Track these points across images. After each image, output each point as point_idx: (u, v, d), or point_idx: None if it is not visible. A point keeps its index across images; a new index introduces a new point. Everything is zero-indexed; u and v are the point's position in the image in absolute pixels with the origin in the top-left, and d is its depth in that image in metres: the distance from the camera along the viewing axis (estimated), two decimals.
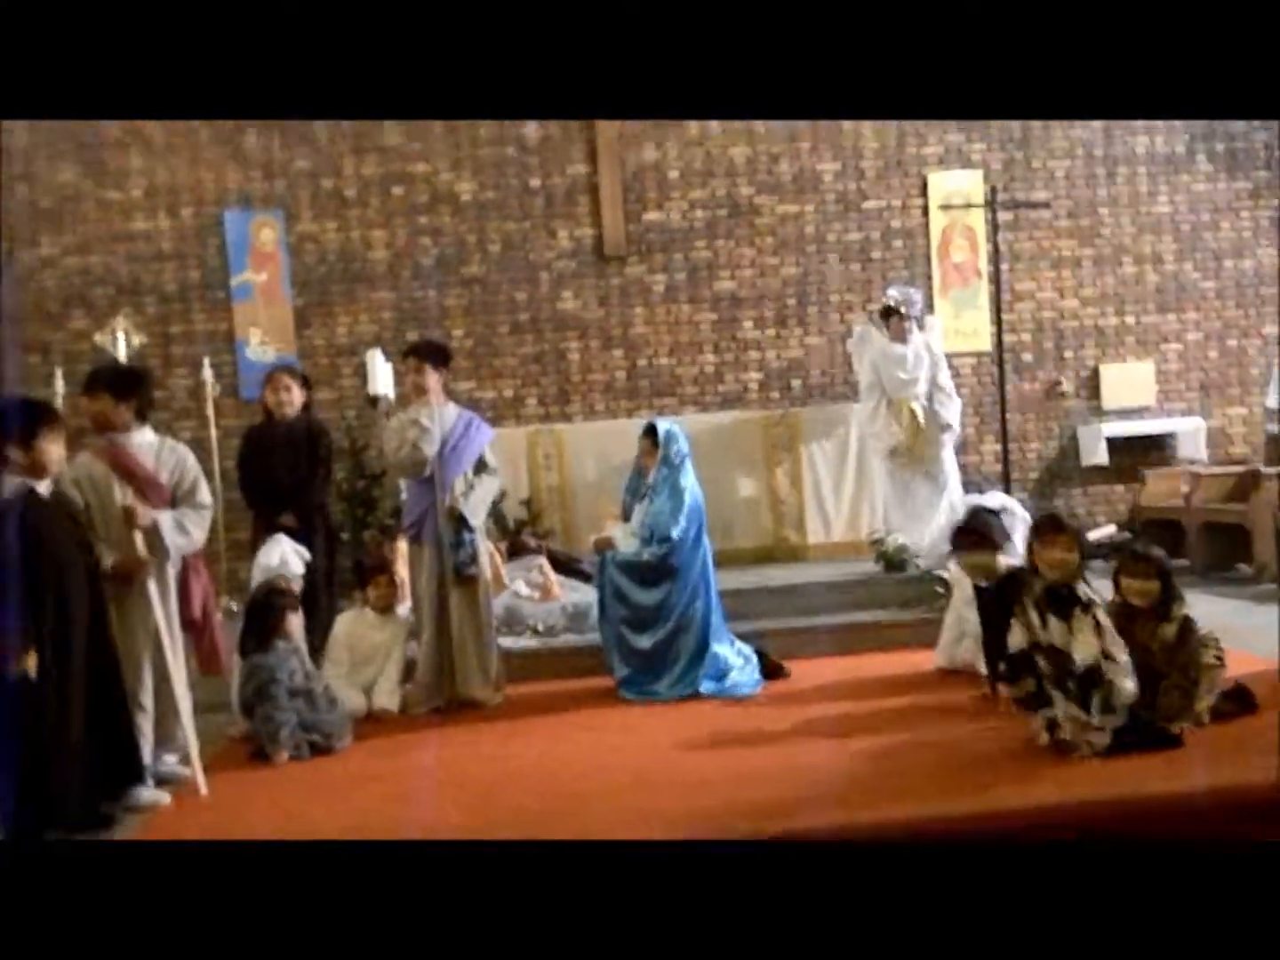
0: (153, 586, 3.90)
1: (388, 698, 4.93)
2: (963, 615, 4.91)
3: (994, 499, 5.11)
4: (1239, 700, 3.99)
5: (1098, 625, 3.56)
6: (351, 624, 5.05)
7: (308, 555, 5.01)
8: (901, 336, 6.32)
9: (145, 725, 3.94)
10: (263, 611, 4.50)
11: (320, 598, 5.18)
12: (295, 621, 4.55)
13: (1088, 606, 3.60)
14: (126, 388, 4.05)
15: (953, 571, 5.11)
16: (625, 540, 5.08)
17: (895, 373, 6.32)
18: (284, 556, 4.92)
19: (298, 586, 4.88)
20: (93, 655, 3.57)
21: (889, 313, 6.37)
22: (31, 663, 3.34)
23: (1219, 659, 3.90)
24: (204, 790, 3.90)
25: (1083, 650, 3.55)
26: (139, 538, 3.87)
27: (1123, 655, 3.57)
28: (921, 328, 6.39)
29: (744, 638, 5.17)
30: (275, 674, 4.30)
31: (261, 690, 4.30)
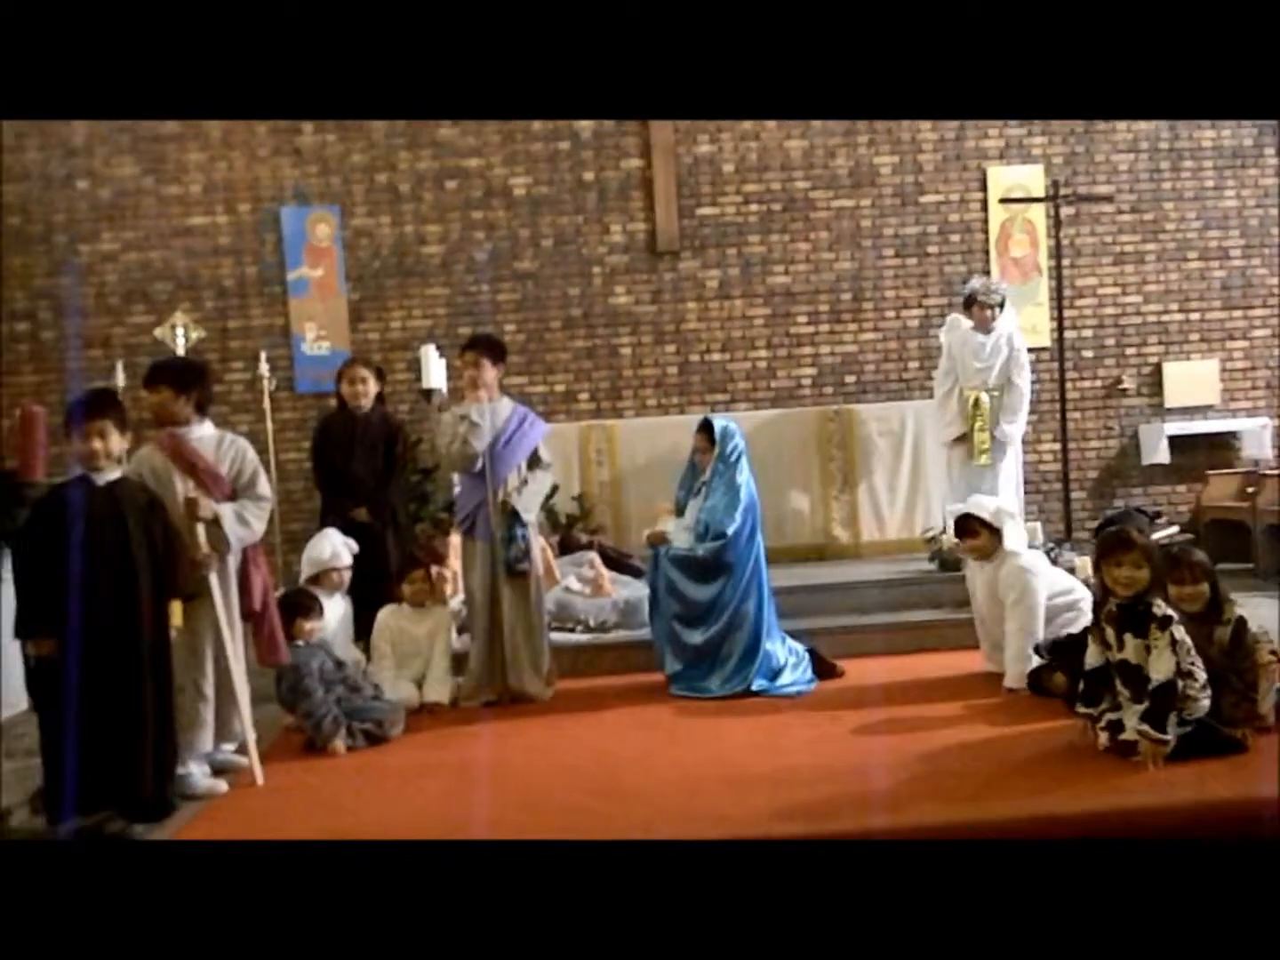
0: (214, 578, 3.94)
1: (438, 688, 4.95)
2: (986, 625, 4.86)
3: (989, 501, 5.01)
4: None
5: (1174, 642, 3.50)
6: (390, 619, 5.06)
7: (356, 547, 5.03)
8: (984, 325, 6.26)
9: (207, 714, 3.99)
10: (283, 612, 4.53)
11: (385, 592, 5.19)
12: (306, 625, 4.52)
13: (1165, 623, 3.53)
14: (187, 381, 4.09)
15: (968, 580, 5.03)
16: (678, 535, 5.06)
17: (971, 361, 6.28)
18: (334, 549, 4.95)
19: (347, 579, 4.92)
20: (150, 644, 3.61)
21: (970, 301, 6.32)
22: (45, 650, 3.42)
23: (1274, 654, 3.82)
24: (260, 780, 3.94)
25: (1160, 668, 3.50)
26: (201, 530, 3.91)
27: (1201, 672, 3.51)
28: (1001, 313, 6.28)
29: (796, 636, 5.13)
30: (302, 672, 4.34)
31: (295, 688, 4.35)
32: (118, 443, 3.69)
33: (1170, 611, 3.57)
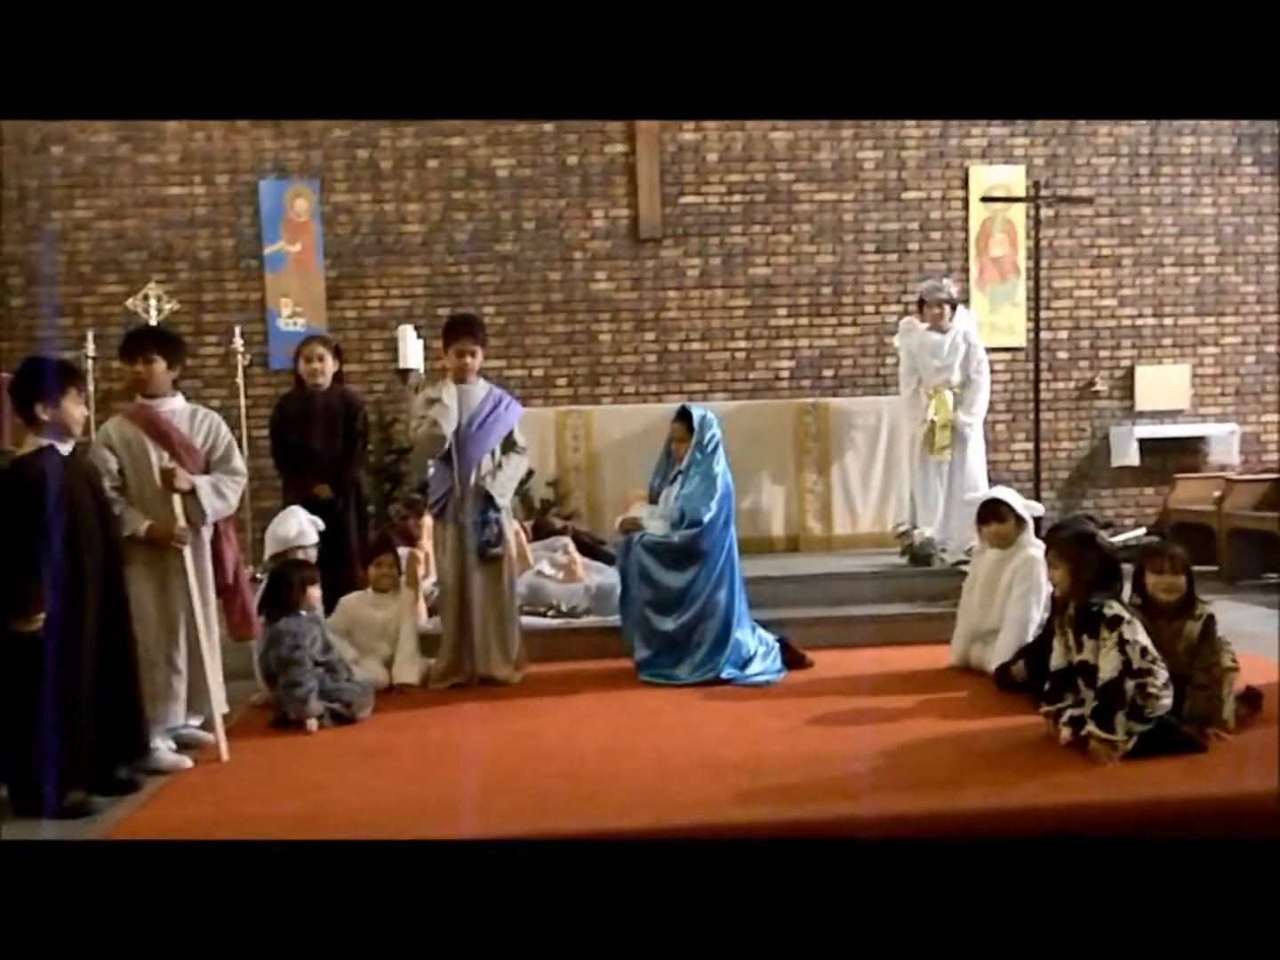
0: (188, 550, 3.92)
1: (408, 669, 4.93)
2: (973, 616, 4.91)
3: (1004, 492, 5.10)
4: (1249, 702, 3.99)
5: (1122, 641, 3.55)
6: (350, 604, 5.02)
7: (321, 525, 4.98)
8: (937, 324, 6.33)
9: (180, 687, 3.97)
10: (283, 582, 4.50)
11: (349, 570, 5.16)
12: (314, 594, 4.56)
13: (1113, 624, 3.59)
14: (175, 352, 4.08)
15: (970, 569, 5.10)
16: (652, 522, 5.06)
17: (930, 360, 6.35)
18: (300, 527, 4.90)
19: (313, 556, 4.88)
20: (105, 620, 3.56)
21: (920, 302, 6.47)
22: (36, 625, 3.34)
23: (1235, 662, 3.89)
24: (225, 756, 3.91)
25: (1106, 666, 3.56)
26: (177, 502, 3.87)
27: (1162, 670, 3.55)
28: (954, 312, 6.36)
29: (767, 626, 5.15)
30: (299, 640, 4.31)
31: (286, 657, 4.30)
32: (83, 412, 3.65)
33: (1121, 612, 3.62)
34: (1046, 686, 3.85)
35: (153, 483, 3.88)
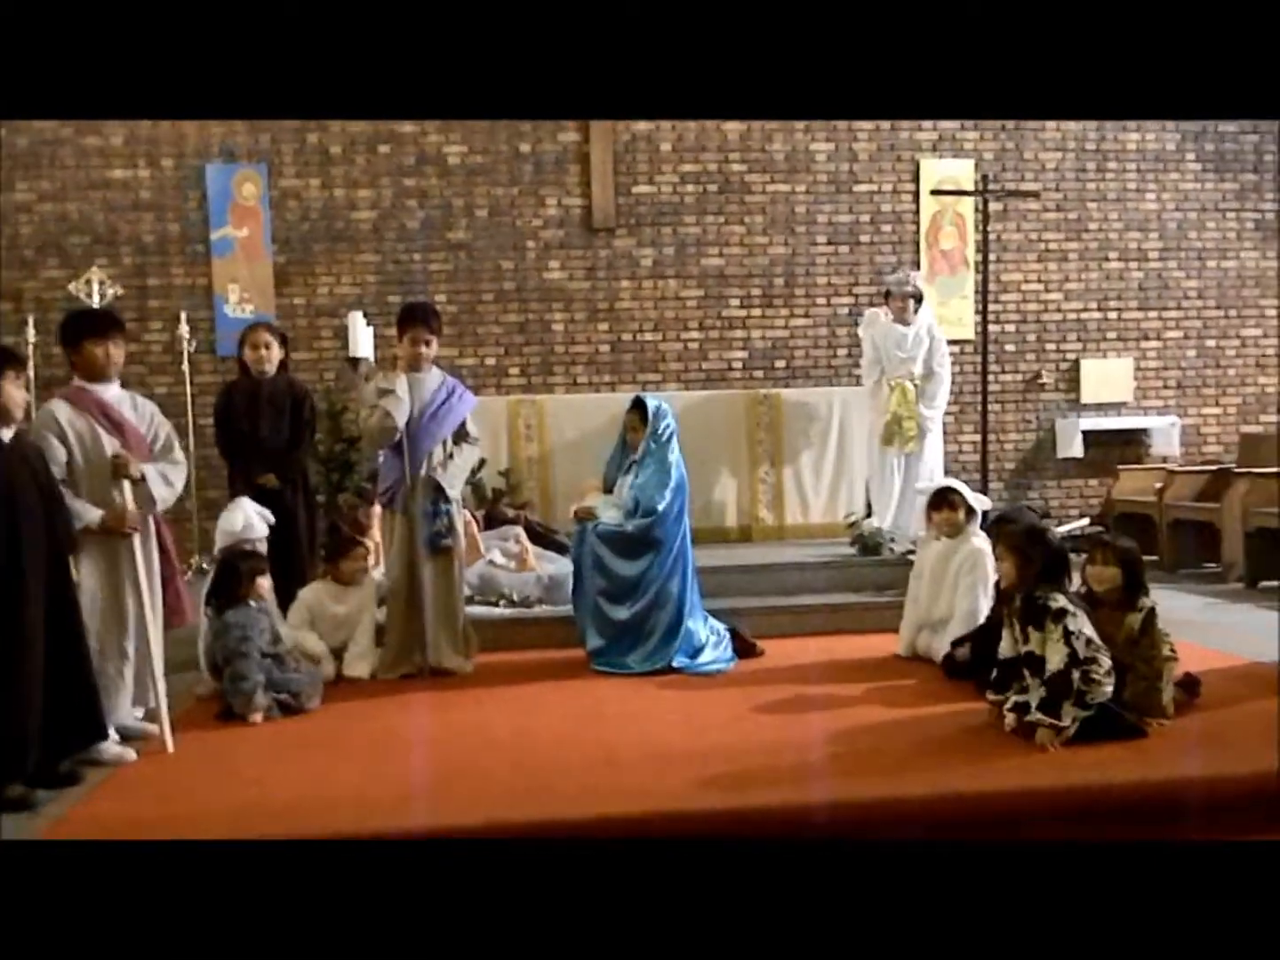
0: (136, 538, 3.86)
1: (358, 664, 4.90)
2: (921, 605, 4.97)
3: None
4: (1187, 689, 4.08)
5: (1067, 633, 3.62)
6: (311, 596, 4.97)
7: (271, 518, 4.92)
8: (902, 317, 6.41)
9: (128, 673, 3.93)
10: (232, 573, 4.45)
11: (299, 560, 5.11)
12: (264, 584, 4.51)
13: (1058, 616, 3.66)
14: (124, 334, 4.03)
15: (918, 559, 5.17)
16: (607, 511, 5.06)
17: (893, 351, 6.42)
18: (248, 519, 4.81)
19: (262, 549, 4.81)
20: (52, 608, 3.49)
21: (887, 294, 6.54)
22: None
23: (1173, 652, 3.98)
24: (171, 748, 3.86)
25: (1053, 657, 3.62)
26: (128, 489, 3.82)
27: (1105, 658, 3.63)
28: (918, 305, 6.45)
29: (718, 615, 5.18)
30: (247, 632, 4.25)
31: (233, 649, 4.25)
32: (24, 397, 3.58)
33: (1066, 605, 3.69)
34: (994, 675, 3.91)
35: (102, 471, 3.81)
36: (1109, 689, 3.62)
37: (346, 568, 4.98)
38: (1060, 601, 3.70)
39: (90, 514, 3.82)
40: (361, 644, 4.94)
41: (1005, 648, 3.90)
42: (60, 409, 3.90)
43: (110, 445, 3.87)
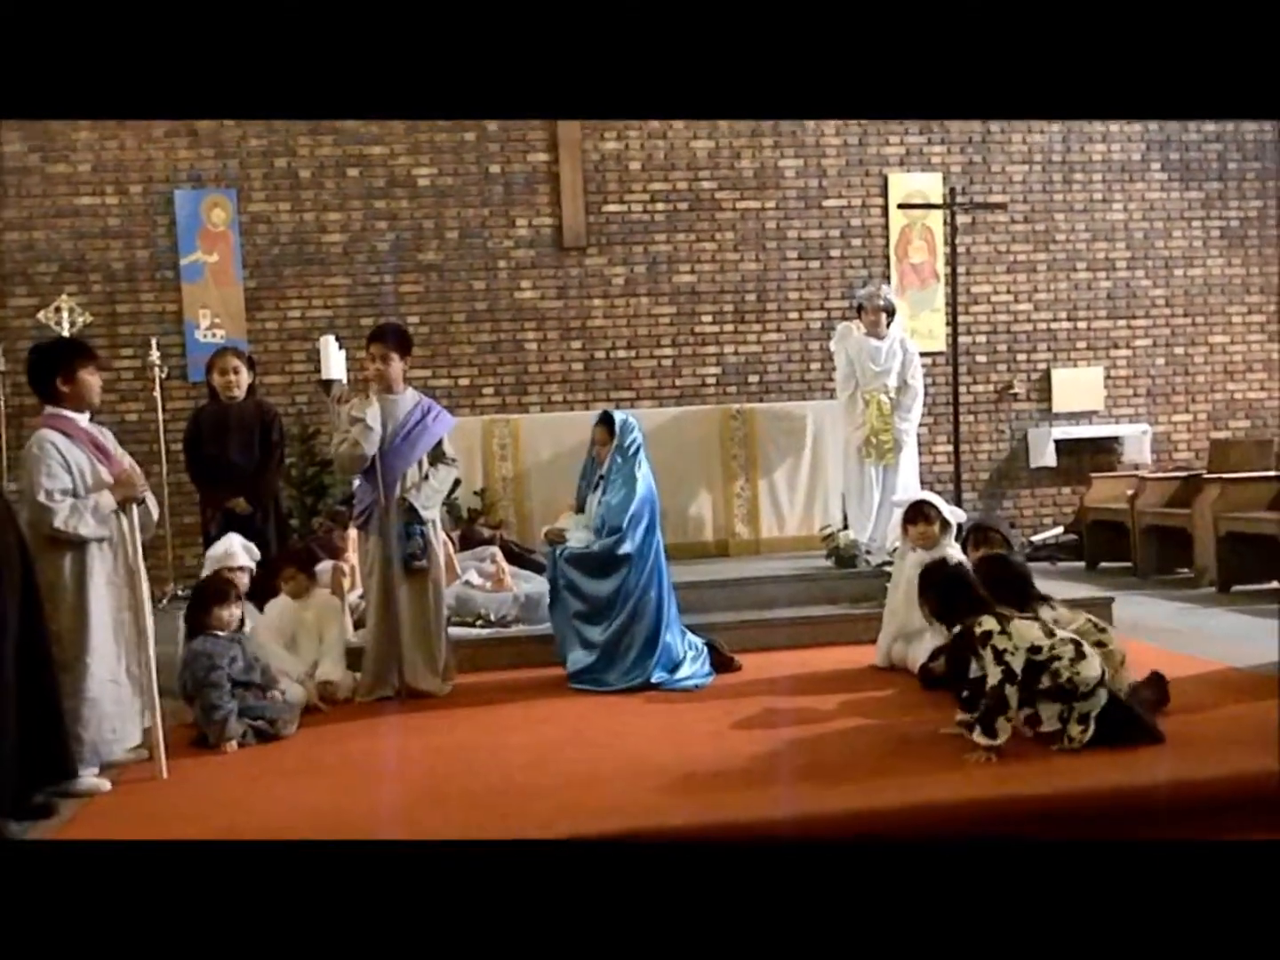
0: (140, 563, 3.87)
1: (333, 667, 4.86)
2: (898, 616, 4.99)
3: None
4: (1157, 692, 4.08)
5: (997, 653, 3.65)
6: (273, 610, 4.95)
7: (258, 554, 4.90)
8: (875, 331, 6.43)
9: (138, 703, 3.89)
10: (198, 601, 4.42)
11: (271, 583, 5.08)
12: (235, 613, 4.44)
13: (984, 640, 3.69)
14: None
15: (894, 571, 5.19)
16: (577, 532, 5.06)
17: (868, 365, 6.44)
18: (229, 548, 4.80)
19: (245, 580, 4.79)
20: (23, 638, 3.45)
21: (859, 308, 6.55)
22: None
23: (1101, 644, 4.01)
24: (164, 774, 3.84)
25: (991, 676, 3.66)
26: (135, 512, 3.85)
27: (1063, 647, 3.67)
28: (891, 318, 6.49)
29: (696, 630, 5.17)
30: (215, 661, 4.21)
31: (201, 679, 4.21)
32: None
33: (990, 626, 3.70)
34: (964, 694, 3.89)
35: (104, 494, 3.81)
36: (1091, 673, 3.63)
37: (288, 588, 4.93)
38: (985, 624, 3.72)
39: (106, 497, 3.79)
40: (333, 652, 4.90)
41: (974, 669, 3.86)
42: (56, 438, 3.82)
43: (103, 473, 3.85)
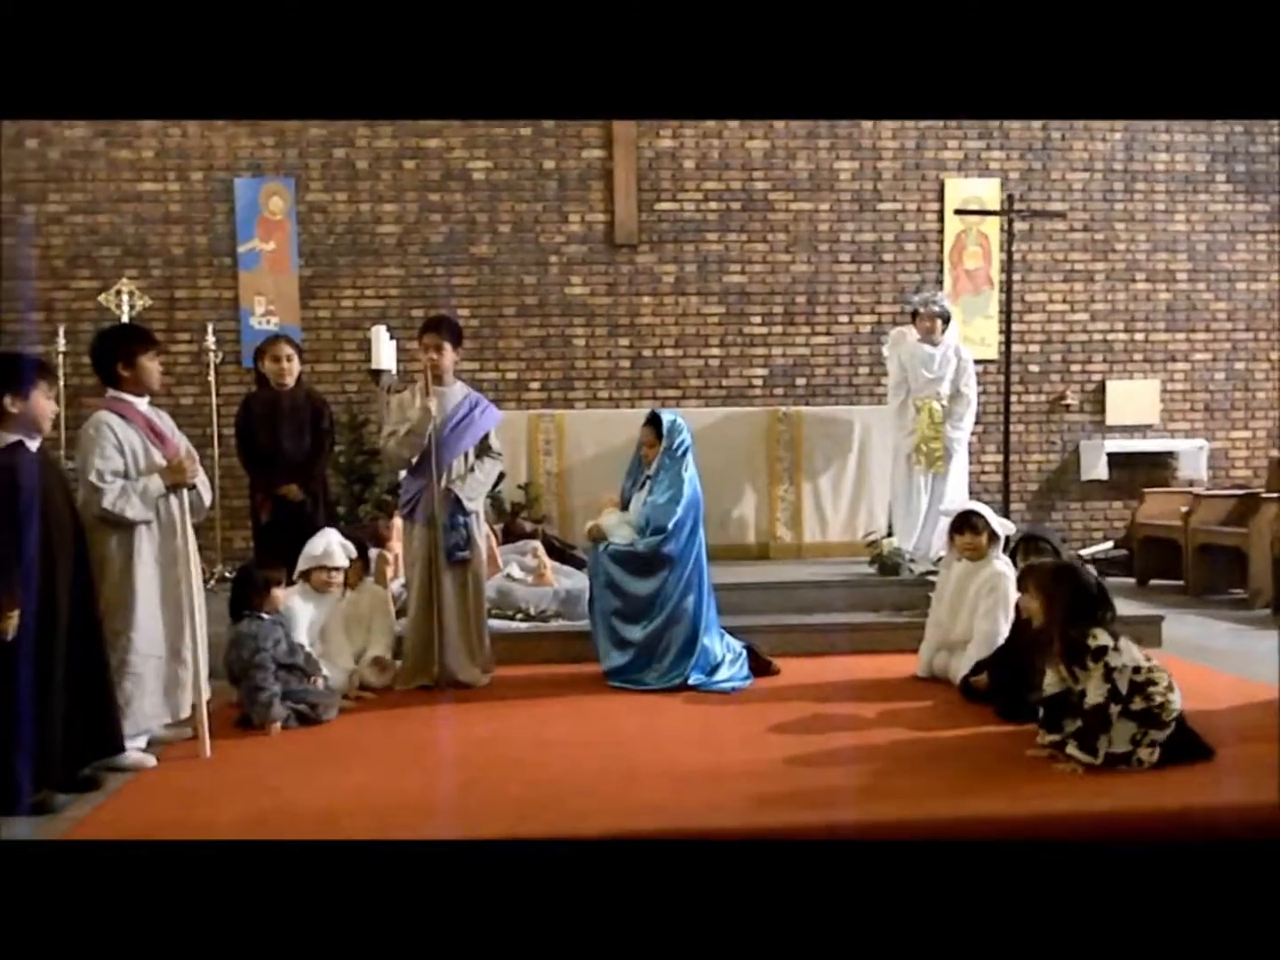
0: (192, 543, 3.95)
1: (383, 653, 4.92)
2: (942, 627, 4.94)
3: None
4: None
5: (1108, 670, 3.59)
6: (349, 600, 4.98)
7: (354, 552, 4.95)
8: (929, 337, 6.37)
9: (186, 678, 3.96)
10: (247, 583, 4.47)
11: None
12: (279, 596, 4.49)
13: (1099, 655, 3.62)
14: None
15: (939, 581, 5.13)
16: (619, 529, 5.05)
17: (921, 371, 6.38)
18: (329, 547, 4.83)
19: (337, 580, 4.85)
20: (76, 616, 3.52)
21: (914, 314, 6.48)
22: (12, 624, 3.28)
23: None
24: (208, 753, 3.91)
25: (1092, 693, 3.60)
26: (187, 495, 3.93)
27: (1159, 675, 3.61)
28: (946, 325, 6.41)
29: (735, 633, 5.15)
30: (260, 643, 4.27)
31: (248, 660, 4.27)
32: (53, 408, 3.62)
33: (1106, 641, 3.63)
34: (1041, 714, 3.79)
35: (161, 476, 3.90)
36: (1178, 704, 3.60)
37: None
38: (1100, 638, 3.64)
39: (155, 481, 3.87)
40: (381, 642, 4.94)
41: (1051, 685, 3.77)
42: (113, 420, 3.90)
43: (156, 456, 3.93)
